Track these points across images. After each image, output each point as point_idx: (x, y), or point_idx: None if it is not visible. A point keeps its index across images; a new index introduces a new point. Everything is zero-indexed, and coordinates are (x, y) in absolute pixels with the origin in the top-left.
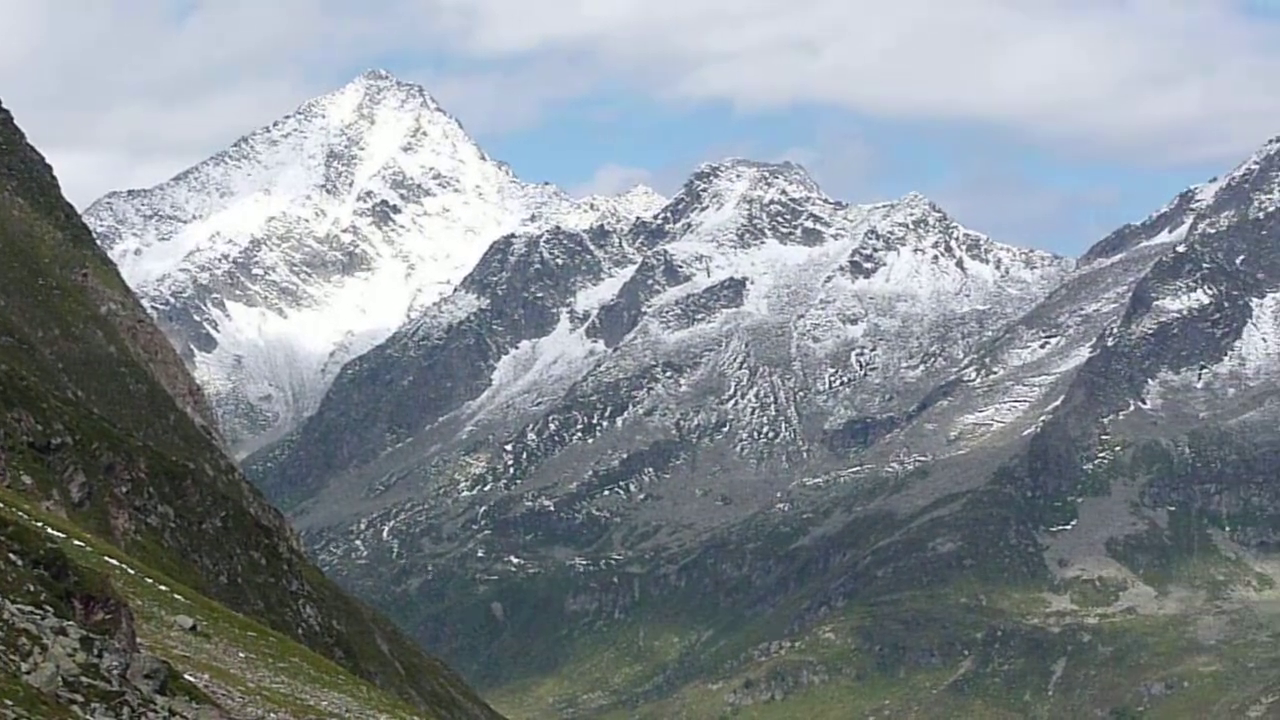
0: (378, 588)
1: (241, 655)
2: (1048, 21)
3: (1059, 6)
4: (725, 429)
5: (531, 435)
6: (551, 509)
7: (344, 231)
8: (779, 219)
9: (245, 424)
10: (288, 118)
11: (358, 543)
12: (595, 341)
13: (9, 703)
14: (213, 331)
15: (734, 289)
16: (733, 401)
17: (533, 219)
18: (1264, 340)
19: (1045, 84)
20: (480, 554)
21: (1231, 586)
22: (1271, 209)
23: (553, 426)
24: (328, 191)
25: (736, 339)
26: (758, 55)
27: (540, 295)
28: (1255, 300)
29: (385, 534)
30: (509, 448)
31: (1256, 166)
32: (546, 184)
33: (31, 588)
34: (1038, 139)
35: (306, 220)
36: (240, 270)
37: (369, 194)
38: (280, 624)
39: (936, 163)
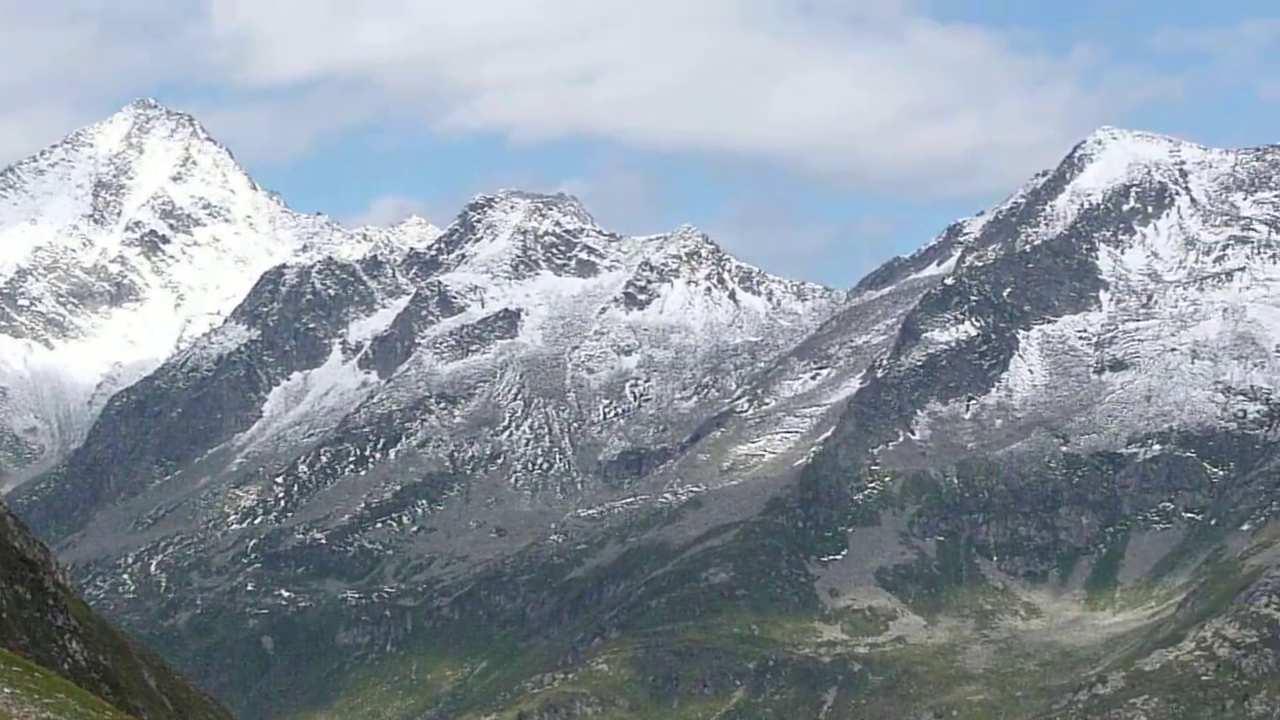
0: (145, 622)
1: (6, 691)
2: (822, 55)
3: (834, 40)
4: (499, 461)
5: (303, 467)
6: (323, 541)
7: (112, 262)
8: (553, 250)
9: (10, 457)
10: (55, 146)
11: (125, 576)
12: (368, 373)
13: None
14: None
15: (508, 320)
16: (507, 433)
17: (305, 249)
18: (1030, 372)
19: (819, 117)
20: (250, 587)
21: (999, 616)
22: (1038, 242)
23: (324, 458)
24: (95, 221)
25: (511, 370)
26: (533, 86)
27: (312, 326)
28: (1022, 332)
29: (153, 567)
30: (280, 480)
31: (1023, 200)
32: (319, 214)
33: None
34: (810, 172)
35: (74, 250)
36: (6, 301)
37: (137, 224)
38: (46, 659)
39: (710, 195)
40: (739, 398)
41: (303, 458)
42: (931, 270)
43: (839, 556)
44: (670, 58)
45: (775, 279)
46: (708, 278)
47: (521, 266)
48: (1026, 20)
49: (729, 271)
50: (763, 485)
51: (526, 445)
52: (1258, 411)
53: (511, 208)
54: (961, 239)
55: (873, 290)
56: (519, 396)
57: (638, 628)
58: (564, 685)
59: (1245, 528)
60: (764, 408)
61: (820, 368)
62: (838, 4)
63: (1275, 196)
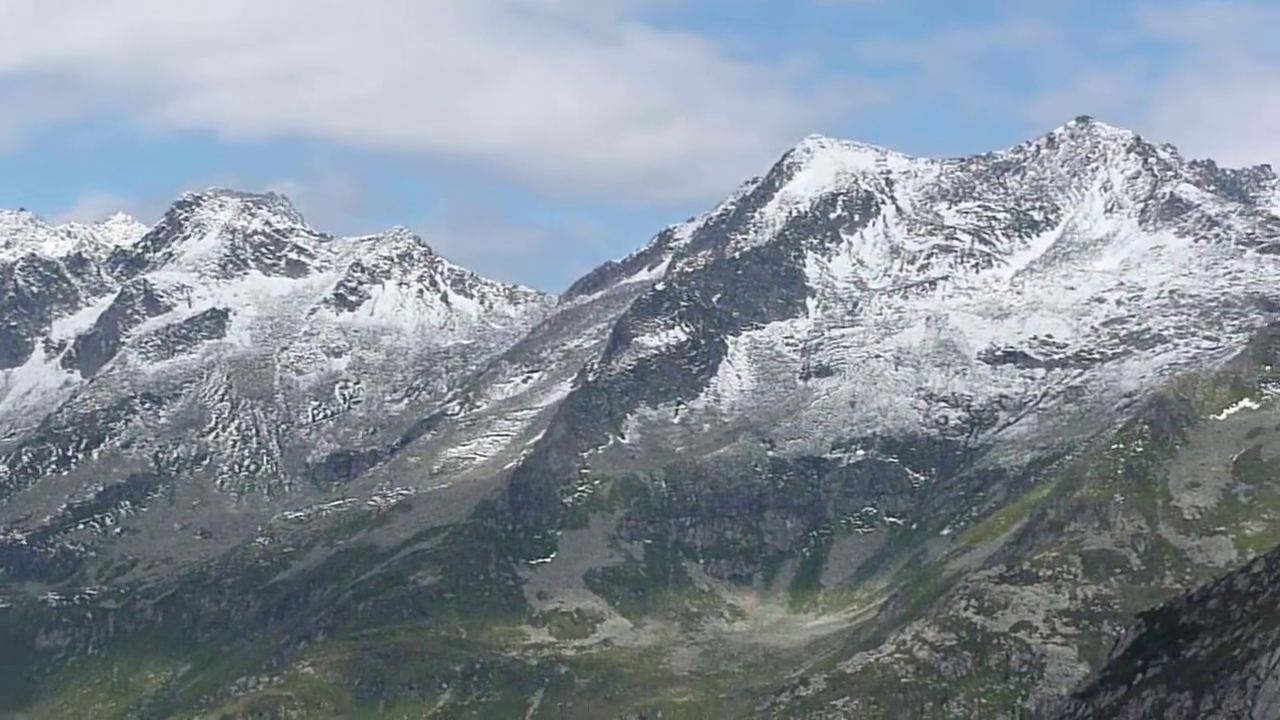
0: None
1: None
2: (537, 59)
3: (549, 44)
4: (205, 462)
5: (3, 467)
6: (24, 542)
7: None
8: (263, 250)
9: None
10: None
11: None
12: (71, 372)
13: None
14: None
15: (216, 320)
16: (213, 434)
17: (6, 246)
18: (738, 377)
19: (533, 120)
20: None
21: (705, 618)
22: (747, 249)
23: (26, 458)
24: None
25: (218, 370)
26: (245, 85)
27: (14, 324)
28: (730, 338)
29: None
30: None
31: (733, 207)
32: (22, 210)
33: None
34: (524, 175)
35: None
36: None
37: None
38: None
39: (424, 197)
40: (450, 400)
41: (3, 457)
42: (642, 275)
43: (548, 560)
44: (385, 59)
45: (488, 282)
46: (419, 280)
47: (230, 266)
48: (740, 28)
49: (441, 274)
50: (473, 488)
51: (233, 446)
52: (959, 418)
53: (220, 206)
54: (672, 245)
55: (584, 294)
56: (226, 397)
57: (345, 631)
58: (269, 689)
59: (945, 532)
60: (475, 411)
61: (531, 371)
62: (553, 9)
63: (978, 206)
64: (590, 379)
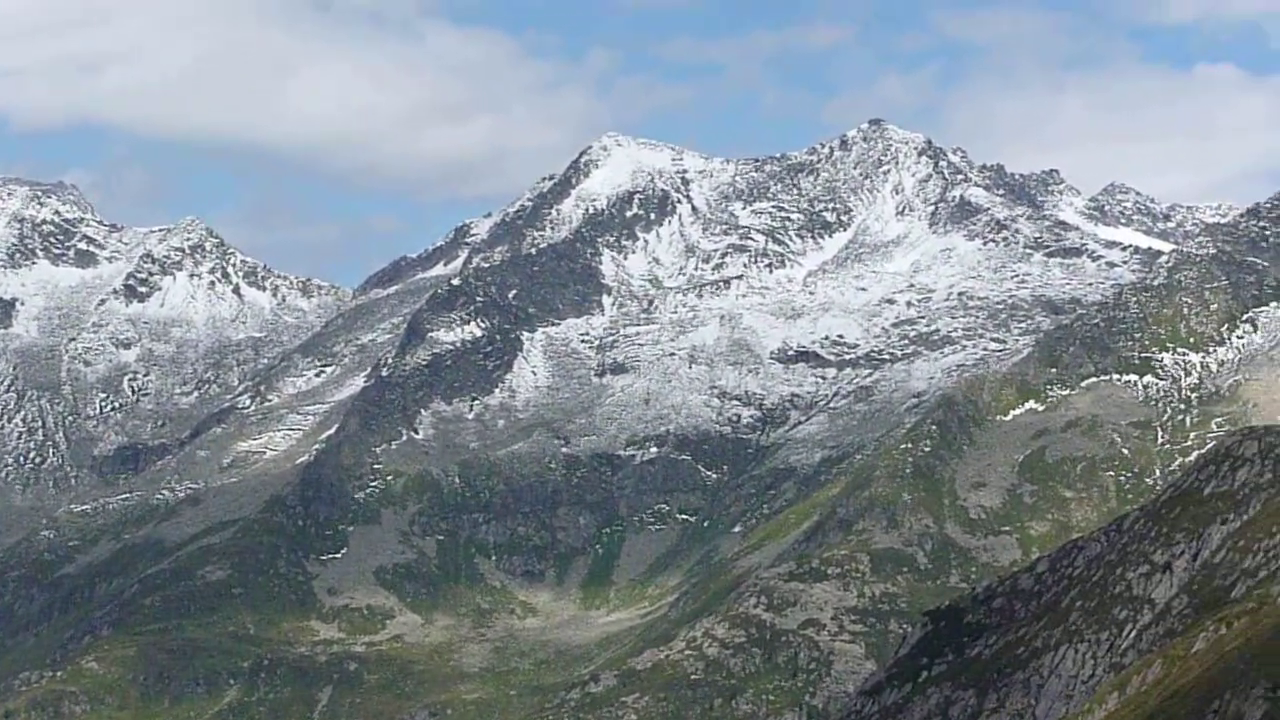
0: None
1: None
2: (337, 52)
3: (349, 37)
4: None
5: None
6: None
7: None
8: (51, 239)
9: None
10: None
11: None
12: None
13: None
14: None
15: (2, 310)
16: None
17: None
18: (533, 373)
19: (331, 113)
20: None
21: (496, 615)
22: (543, 245)
23: None
24: None
25: (4, 361)
26: (38, 73)
27: None
28: (526, 334)
29: None
30: None
31: (530, 203)
32: None
33: None
34: (321, 168)
35: None
36: None
37: None
38: None
39: (218, 188)
40: (241, 394)
41: None
42: (438, 270)
43: (338, 555)
44: (182, 49)
45: (281, 275)
46: (211, 272)
47: (18, 255)
48: (541, 25)
49: (234, 266)
50: (263, 483)
51: (19, 438)
52: (751, 416)
53: (9, 195)
54: (469, 240)
55: (380, 289)
56: (12, 388)
57: (131, 626)
58: (53, 684)
59: (737, 529)
60: (266, 404)
61: (325, 365)
62: (353, 2)
63: (772, 207)
64: (384, 374)
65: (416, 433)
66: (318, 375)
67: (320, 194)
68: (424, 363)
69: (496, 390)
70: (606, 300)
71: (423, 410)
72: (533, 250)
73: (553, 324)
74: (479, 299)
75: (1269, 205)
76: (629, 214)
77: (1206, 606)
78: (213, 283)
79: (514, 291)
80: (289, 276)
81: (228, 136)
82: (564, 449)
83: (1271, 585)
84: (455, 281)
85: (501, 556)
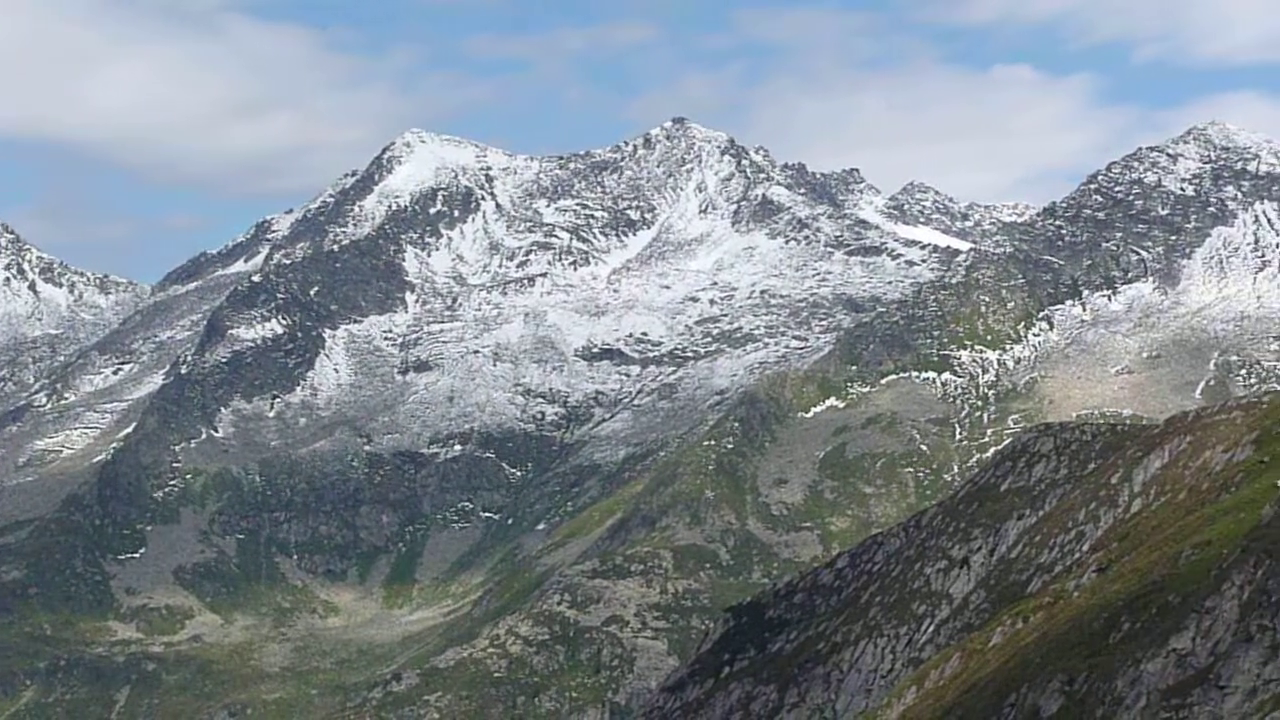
0: None
1: None
2: (135, 47)
3: (147, 33)
4: None
5: None
6: None
7: None
8: None
9: None
10: None
11: None
12: None
13: None
14: None
15: None
16: None
17: None
18: (335, 371)
19: (129, 109)
20: None
21: (297, 614)
22: (345, 242)
23: None
24: None
25: None
26: None
27: None
28: (328, 331)
29: None
30: None
31: (332, 200)
32: None
33: None
34: (119, 163)
35: None
36: None
37: None
38: None
39: (13, 184)
40: (36, 392)
41: None
42: (239, 267)
43: (137, 555)
44: None
45: (78, 271)
46: (6, 268)
47: None
48: (344, 20)
49: (29, 262)
50: (60, 482)
51: None
52: (555, 414)
53: None
54: (270, 236)
55: (179, 285)
56: None
57: None
58: None
59: (540, 527)
60: (63, 402)
61: (123, 363)
62: None
63: (577, 205)
64: (183, 371)
65: (216, 431)
66: (115, 373)
67: (119, 190)
68: (224, 360)
69: (298, 388)
70: (410, 297)
71: (223, 408)
72: (335, 247)
73: (355, 321)
74: (280, 296)
75: (1065, 205)
76: (433, 211)
77: (1003, 601)
78: (8, 279)
79: (316, 288)
80: (86, 273)
81: (23, 131)
82: (366, 447)
83: (1067, 580)
84: (256, 278)
85: (303, 555)
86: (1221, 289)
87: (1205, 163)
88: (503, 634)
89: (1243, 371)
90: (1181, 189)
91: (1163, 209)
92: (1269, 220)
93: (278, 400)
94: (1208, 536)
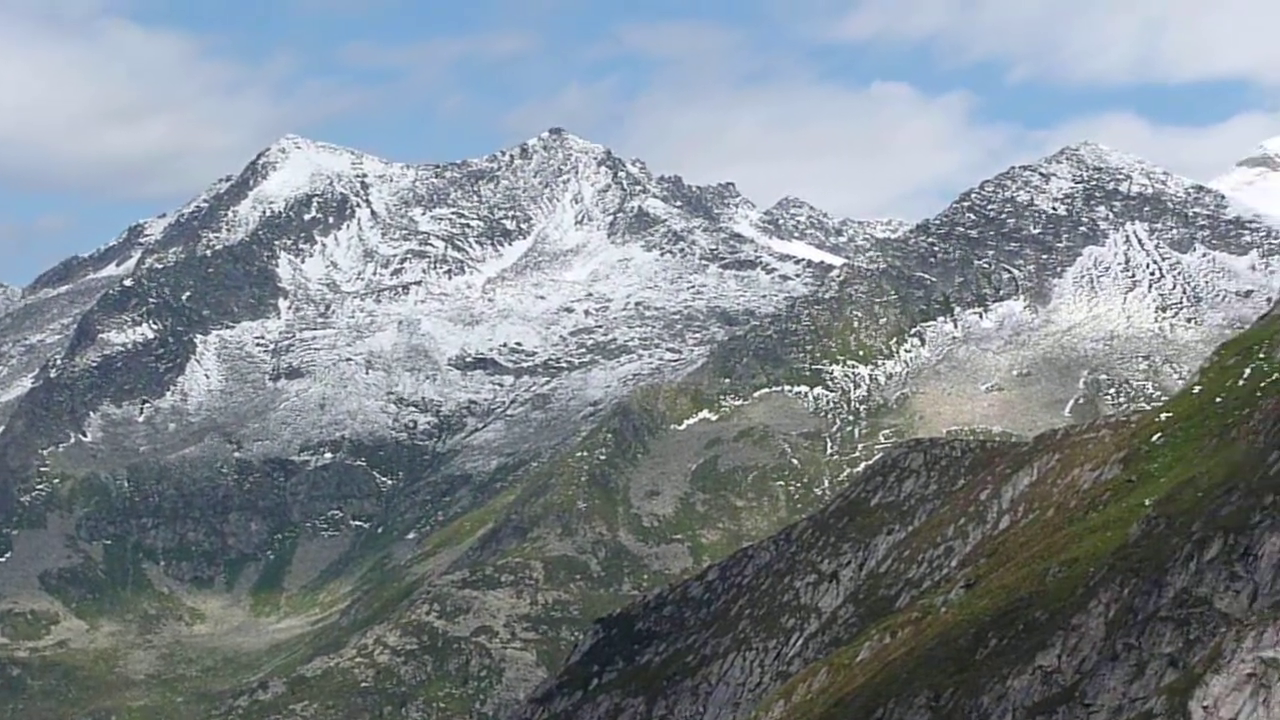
0: None
1: None
2: (9, 50)
3: (22, 36)
4: None
5: None
6: None
7: None
8: None
9: None
10: None
11: None
12: None
13: None
14: None
15: None
16: None
17: None
18: (206, 377)
19: (4, 111)
20: None
21: (164, 621)
22: (219, 247)
23: None
24: None
25: None
26: None
27: None
28: (200, 336)
29: None
30: None
31: (206, 205)
32: None
33: None
34: None
35: None
36: None
37: None
38: None
39: None
40: None
41: None
42: (110, 270)
43: (2, 559)
44: None
45: None
46: None
47: None
48: (222, 27)
49: None
50: None
51: None
52: (428, 423)
53: None
54: (142, 240)
55: (50, 288)
56: None
57: None
58: None
59: (411, 536)
60: None
61: None
62: (27, 0)
63: (452, 213)
64: (52, 375)
65: (85, 435)
66: None
67: None
68: (94, 364)
69: (168, 393)
70: (283, 304)
71: (92, 413)
72: (208, 252)
73: (227, 327)
74: (152, 300)
75: (938, 222)
76: (307, 217)
77: (872, 616)
78: None
79: (188, 293)
80: None
81: None
82: (236, 453)
83: (935, 596)
84: (128, 282)
85: (170, 562)
86: (1092, 308)
87: (1077, 182)
88: (371, 643)
89: (1112, 390)
90: (1053, 208)
91: (1035, 228)
92: (1139, 240)
93: (147, 405)
94: (1075, 554)
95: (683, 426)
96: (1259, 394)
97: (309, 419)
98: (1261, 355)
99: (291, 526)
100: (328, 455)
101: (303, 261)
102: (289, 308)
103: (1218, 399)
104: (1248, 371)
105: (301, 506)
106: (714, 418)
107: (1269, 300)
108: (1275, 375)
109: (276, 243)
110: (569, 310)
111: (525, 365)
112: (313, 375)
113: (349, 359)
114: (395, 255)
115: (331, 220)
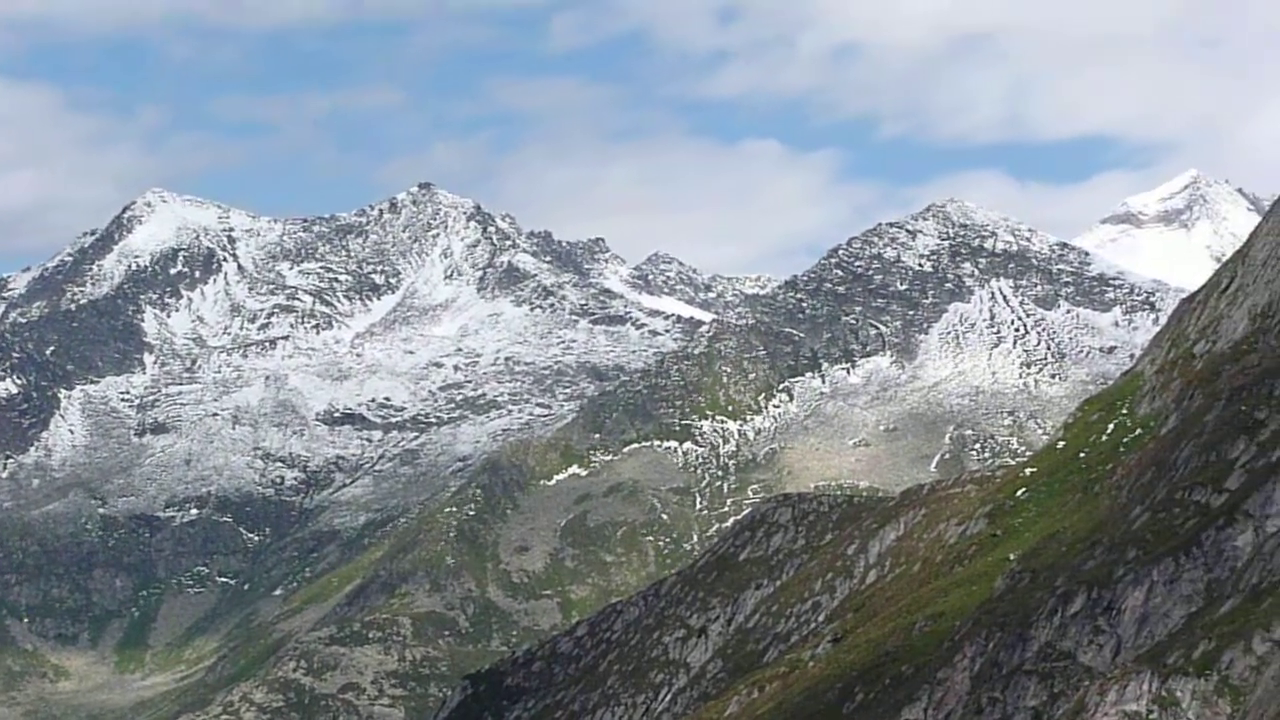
0: None
1: None
2: None
3: None
4: None
5: None
6: None
7: None
8: None
9: None
10: None
11: None
12: None
13: None
14: None
15: None
16: None
17: None
18: (71, 432)
19: None
20: None
21: (28, 678)
22: (84, 301)
23: None
24: None
25: None
26: None
27: None
28: (64, 391)
29: None
30: None
31: (70, 258)
32: None
33: None
34: None
35: None
36: None
37: None
38: None
39: None
40: None
41: None
42: None
43: None
44: None
45: None
46: None
47: None
48: (89, 79)
49: None
50: None
51: None
52: (295, 478)
53: None
54: (5, 295)
55: None
56: None
57: None
58: None
59: (278, 593)
60: None
61: None
62: None
63: (320, 268)
64: None
65: None
66: None
67: None
68: None
69: (32, 448)
70: (148, 358)
71: None
72: (72, 306)
73: (92, 381)
74: (15, 355)
75: (806, 278)
76: (173, 271)
77: (740, 670)
78: None
79: (52, 348)
80: None
81: None
82: (101, 509)
83: (803, 650)
84: None
85: (34, 619)
86: (957, 364)
87: (943, 239)
88: (237, 700)
89: (977, 445)
90: (920, 265)
91: (901, 284)
92: (1004, 297)
93: (10, 460)
94: (941, 608)
95: (552, 482)
96: (1122, 449)
97: (175, 475)
98: (1124, 411)
99: (157, 583)
100: (194, 511)
101: (169, 316)
102: (155, 362)
103: (1081, 454)
104: (1111, 427)
105: (167, 563)
106: (584, 473)
107: (1131, 356)
108: (1138, 431)
109: (142, 297)
110: (438, 365)
111: (394, 420)
112: (179, 430)
113: (215, 414)
114: (262, 310)
115: (198, 274)
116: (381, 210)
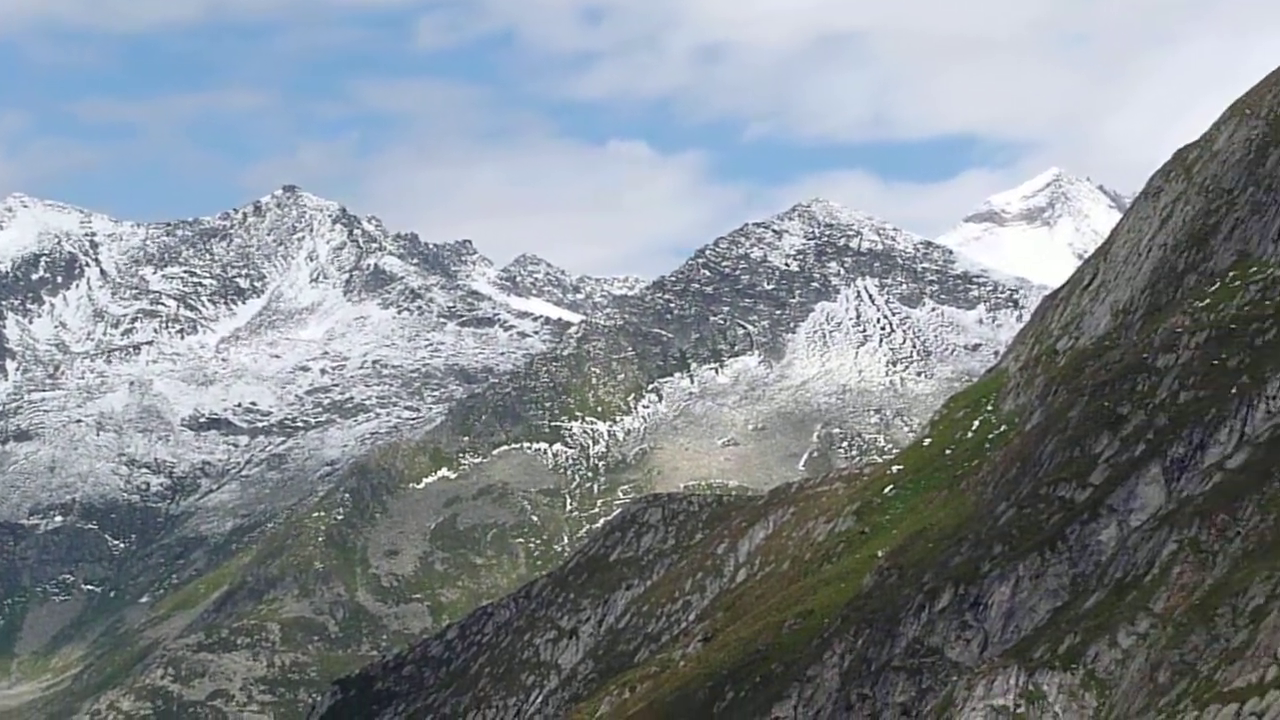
0: None
1: None
2: None
3: None
4: None
5: None
6: None
7: None
8: None
9: None
10: None
11: None
12: None
13: None
14: None
15: None
16: None
17: None
18: None
19: None
20: None
21: None
22: None
23: None
24: None
25: None
26: None
27: None
28: None
29: None
30: None
31: None
32: None
33: None
34: None
35: None
36: None
37: None
38: None
39: None
40: None
41: None
42: None
43: None
44: None
45: None
46: None
47: None
48: None
49: None
50: None
51: None
52: (160, 484)
53: None
54: None
55: None
56: None
57: None
58: None
59: (145, 600)
60: None
61: None
62: None
63: (184, 271)
64: None
65: None
66: None
67: None
68: None
69: None
70: (10, 365)
71: None
72: None
73: None
74: None
75: (674, 278)
76: (35, 277)
77: (611, 671)
78: None
79: None
80: None
81: None
82: None
83: (673, 649)
84: None
85: None
86: (825, 362)
87: (809, 239)
88: (104, 709)
89: (844, 443)
90: (786, 264)
91: (768, 284)
92: (870, 296)
93: None
94: (810, 606)
95: (421, 485)
96: (987, 446)
97: (38, 482)
98: (989, 408)
99: (22, 591)
100: (58, 518)
101: (30, 322)
102: (17, 369)
103: (947, 451)
104: (976, 424)
105: (32, 571)
106: (453, 476)
107: (996, 353)
108: (1003, 427)
109: (3, 303)
110: (305, 369)
111: (260, 425)
112: (42, 437)
113: (79, 420)
114: (126, 315)
115: (60, 280)
116: (246, 214)
